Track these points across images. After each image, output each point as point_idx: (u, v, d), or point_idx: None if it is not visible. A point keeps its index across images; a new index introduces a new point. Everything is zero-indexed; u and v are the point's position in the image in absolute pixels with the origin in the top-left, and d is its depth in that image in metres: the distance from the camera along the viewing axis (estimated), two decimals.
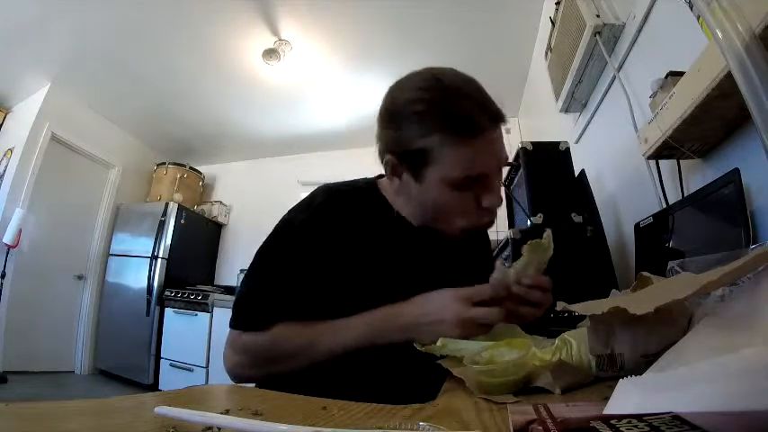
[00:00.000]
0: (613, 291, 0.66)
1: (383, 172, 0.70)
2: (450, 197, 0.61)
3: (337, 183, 0.72)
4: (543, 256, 0.56)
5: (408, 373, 0.57)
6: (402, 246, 0.69)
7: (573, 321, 0.79)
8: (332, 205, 0.67)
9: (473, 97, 0.59)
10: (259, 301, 0.61)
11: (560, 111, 1.69)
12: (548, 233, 0.56)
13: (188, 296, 3.13)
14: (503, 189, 0.71)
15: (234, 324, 0.61)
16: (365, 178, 0.77)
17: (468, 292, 0.55)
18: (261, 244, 0.67)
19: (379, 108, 0.67)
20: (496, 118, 0.60)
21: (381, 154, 0.66)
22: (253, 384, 0.63)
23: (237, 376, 0.61)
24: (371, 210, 0.70)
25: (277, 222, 0.69)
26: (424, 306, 0.56)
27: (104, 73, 2.85)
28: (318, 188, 0.71)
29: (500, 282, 0.55)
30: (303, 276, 0.62)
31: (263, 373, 0.61)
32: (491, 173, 0.62)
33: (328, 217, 0.65)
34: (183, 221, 3.45)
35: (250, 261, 0.67)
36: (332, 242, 0.64)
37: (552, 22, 1.63)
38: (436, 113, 0.59)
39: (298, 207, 0.70)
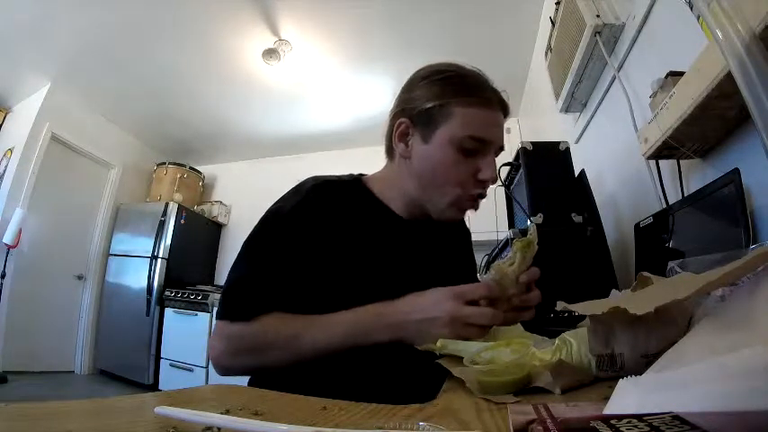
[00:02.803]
0: (613, 291, 0.66)
1: (375, 171, 0.76)
2: (453, 159, 0.66)
3: (323, 175, 0.73)
4: (532, 252, 0.56)
5: (408, 373, 0.57)
6: (389, 237, 0.70)
7: (573, 321, 0.79)
8: (320, 195, 0.67)
9: (487, 81, 0.69)
10: (247, 290, 0.60)
11: (560, 111, 1.69)
12: (533, 228, 0.57)
13: (188, 296, 3.13)
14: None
15: (221, 314, 0.60)
16: (350, 174, 0.78)
17: (462, 289, 0.53)
18: (248, 234, 0.66)
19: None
20: (502, 104, 0.69)
21: (394, 120, 0.71)
22: (246, 383, 0.63)
23: (222, 366, 0.60)
24: (358, 201, 0.71)
25: (264, 213, 0.68)
26: (414, 304, 0.55)
27: (104, 73, 2.86)
28: (305, 179, 0.72)
29: (497, 282, 0.54)
30: (292, 265, 0.61)
31: (246, 363, 0.60)
32: (493, 144, 0.67)
33: (316, 206, 0.66)
34: (183, 221, 3.46)
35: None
36: (320, 231, 0.64)
37: (552, 22, 1.63)
38: (453, 81, 0.67)
39: (285, 197, 0.70)
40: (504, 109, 0.70)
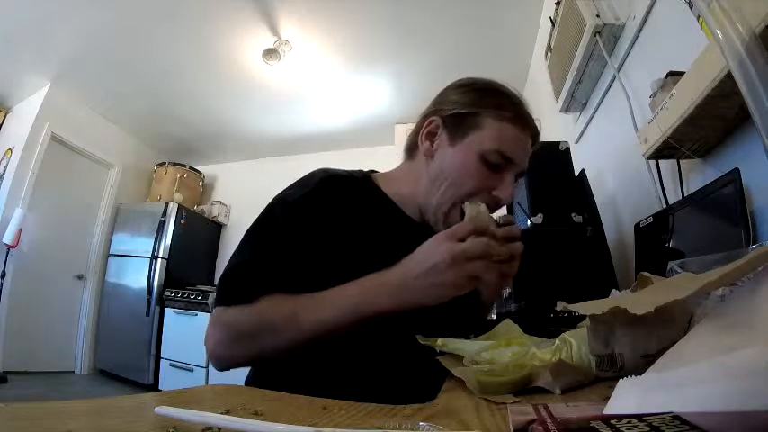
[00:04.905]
0: (613, 291, 0.66)
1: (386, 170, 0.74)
2: (474, 168, 0.65)
3: (333, 168, 0.72)
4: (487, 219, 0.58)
5: (408, 373, 0.56)
6: (397, 238, 0.68)
7: (573, 321, 0.79)
8: (328, 188, 0.66)
9: (524, 105, 0.69)
10: (245, 274, 0.58)
11: (560, 111, 1.69)
12: (465, 204, 0.61)
13: (188, 296, 3.14)
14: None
15: (218, 300, 0.58)
16: (359, 170, 0.77)
17: (450, 230, 0.52)
18: (253, 222, 0.65)
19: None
20: (534, 131, 0.69)
21: (424, 119, 0.71)
22: (243, 381, 0.62)
23: (219, 356, 0.57)
24: (368, 199, 0.70)
25: (270, 200, 0.67)
26: (411, 261, 0.53)
27: (104, 73, 2.86)
28: (314, 171, 0.70)
29: (474, 218, 0.55)
30: (294, 254, 0.60)
31: (245, 351, 0.56)
32: (516, 165, 0.66)
33: (324, 198, 0.64)
34: (183, 221, 3.46)
35: None
36: (326, 224, 0.62)
37: (552, 22, 1.63)
38: (492, 94, 0.68)
39: (293, 186, 0.68)
40: (533, 136, 0.69)
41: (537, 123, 0.69)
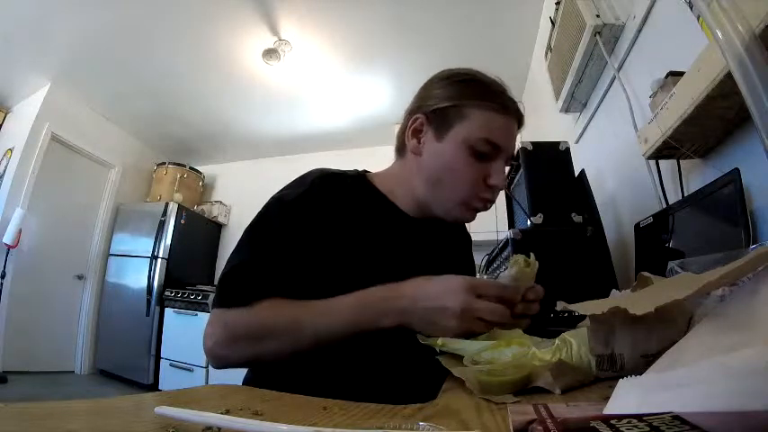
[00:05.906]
0: (613, 291, 0.66)
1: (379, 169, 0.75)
2: (464, 161, 0.66)
3: (328, 168, 0.73)
4: (533, 274, 0.56)
5: (408, 373, 0.56)
6: (393, 233, 0.69)
7: (573, 321, 0.79)
8: (325, 186, 0.67)
9: (505, 90, 0.70)
10: (245, 275, 0.58)
11: (560, 111, 1.69)
12: (532, 258, 0.56)
13: (188, 296, 3.14)
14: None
15: (217, 301, 0.58)
16: (354, 170, 0.78)
17: (477, 282, 0.52)
18: (250, 221, 0.65)
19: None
20: (518, 114, 0.70)
21: (409, 117, 0.72)
22: (241, 378, 0.62)
23: (216, 356, 0.56)
24: (363, 196, 0.71)
25: (267, 200, 0.67)
26: (426, 289, 0.52)
27: (104, 73, 2.86)
28: (310, 170, 0.71)
29: (515, 278, 0.53)
30: (293, 253, 0.60)
31: (243, 353, 0.56)
32: (505, 151, 0.67)
33: (321, 197, 0.65)
34: (183, 221, 3.46)
35: None
36: (323, 222, 0.63)
37: (552, 22, 1.63)
38: (473, 85, 0.68)
39: (289, 186, 0.69)
40: (518, 119, 0.70)
41: (520, 106, 0.70)
